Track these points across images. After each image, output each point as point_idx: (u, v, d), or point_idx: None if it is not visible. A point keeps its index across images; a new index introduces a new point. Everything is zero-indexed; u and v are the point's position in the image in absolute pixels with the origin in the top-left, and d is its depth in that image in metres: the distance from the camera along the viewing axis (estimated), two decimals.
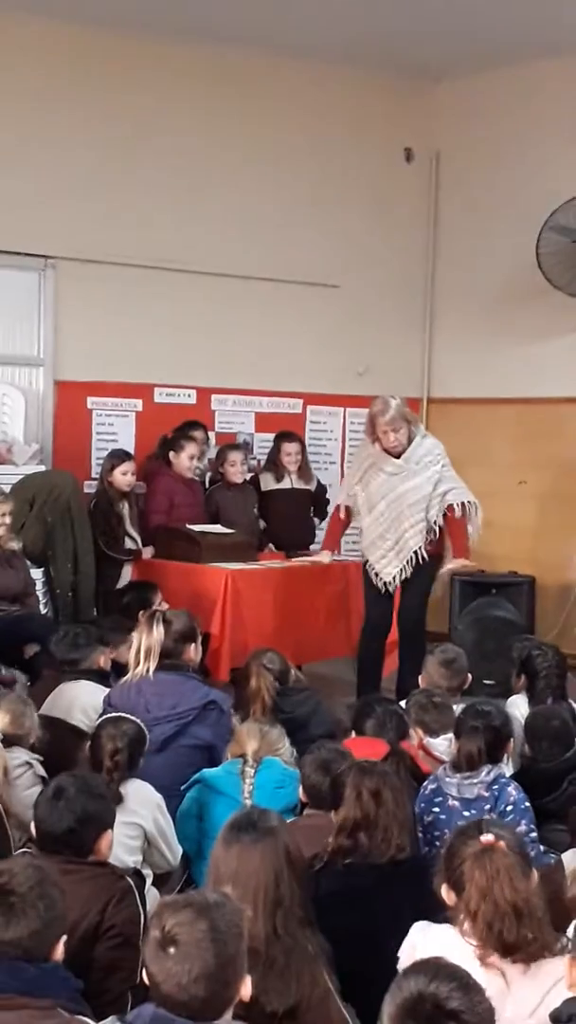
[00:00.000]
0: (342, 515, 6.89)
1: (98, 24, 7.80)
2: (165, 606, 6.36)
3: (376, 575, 6.62)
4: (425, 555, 6.59)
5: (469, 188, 9.09)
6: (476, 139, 9.04)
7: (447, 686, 5.12)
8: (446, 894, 2.85)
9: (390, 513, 6.56)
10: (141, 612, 6.21)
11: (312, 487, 8.19)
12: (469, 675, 5.30)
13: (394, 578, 6.59)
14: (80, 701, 4.99)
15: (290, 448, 8.05)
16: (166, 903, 2.39)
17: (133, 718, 4.18)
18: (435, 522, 6.58)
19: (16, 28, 7.66)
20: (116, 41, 7.97)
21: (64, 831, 3.14)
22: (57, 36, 7.80)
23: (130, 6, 7.60)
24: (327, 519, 8.29)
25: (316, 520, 8.23)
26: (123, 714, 4.25)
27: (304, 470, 8.12)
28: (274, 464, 8.09)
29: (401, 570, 6.58)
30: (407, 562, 6.57)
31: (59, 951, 2.64)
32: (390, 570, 6.59)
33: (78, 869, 3.12)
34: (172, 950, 2.28)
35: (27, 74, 7.73)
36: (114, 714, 4.29)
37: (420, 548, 6.57)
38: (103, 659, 5.16)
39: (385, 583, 6.61)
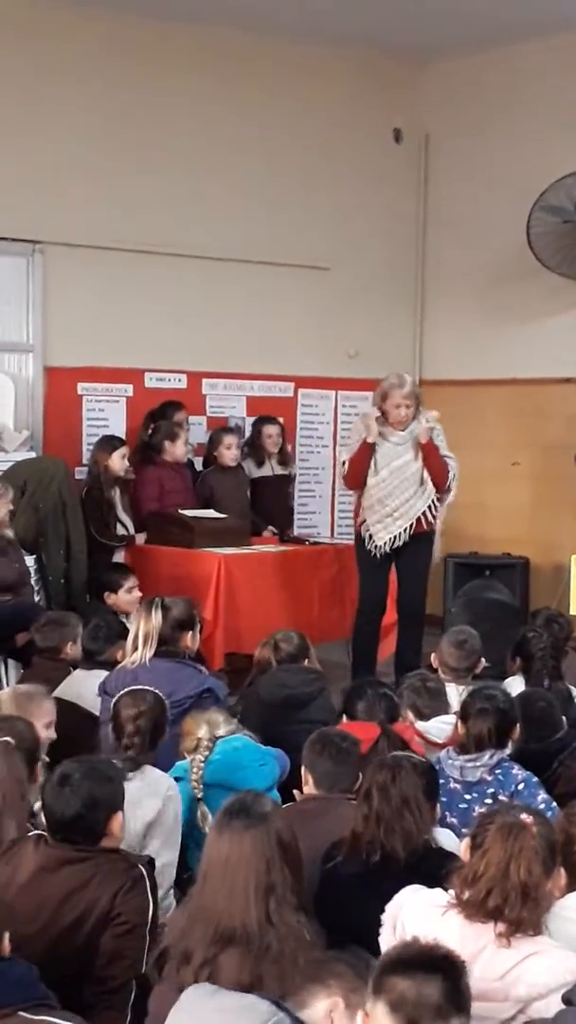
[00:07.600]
0: (346, 469, 6.80)
1: (86, 5, 7.72)
2: (133, 585, 6.39)
3: (370, 537, 6.66)
4: (431, 519, 6.66)
5: (459, 169, 9.05)
6: (465, 120, 8.99)
7: (458, 667, 5.13)
8: (464, 849, 2.89)
9: (392, 480, 6.63)
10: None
11: (288, 472, 8.29)
12: (483, 659, 5.29)
13: (385, 543, 6.63)
14: (93, 691, 4.95)
15: (271, 430, 8.17)
16: None
17: (151, 689, 4.14)
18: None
19: (1, 9, 7.57)
20: (105, 22, 7.89)
21: (72, 817, 3.12)
22: (45, 17, 7.70)
23: None
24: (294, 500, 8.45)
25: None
26: (142, 687, 4.21)
27: (283, 454, 8.21)
28: (255, 448, 8.13)
29: (394, 537, 6.62)
30: (405, 529, 6.61)
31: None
32: (383, 535, 6.63)
33: (90, 856, 3.11)
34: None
35: (13, 56, 7.64)
36: (132, 687, 4.23)
37: (425, 512, 6.63)
38: (120, 653, 5.14)
39: (377, 546, 6.64)
